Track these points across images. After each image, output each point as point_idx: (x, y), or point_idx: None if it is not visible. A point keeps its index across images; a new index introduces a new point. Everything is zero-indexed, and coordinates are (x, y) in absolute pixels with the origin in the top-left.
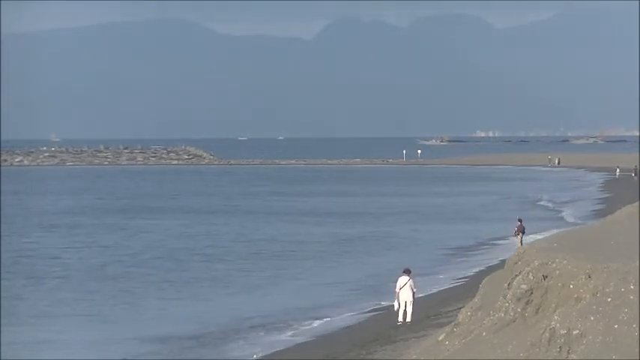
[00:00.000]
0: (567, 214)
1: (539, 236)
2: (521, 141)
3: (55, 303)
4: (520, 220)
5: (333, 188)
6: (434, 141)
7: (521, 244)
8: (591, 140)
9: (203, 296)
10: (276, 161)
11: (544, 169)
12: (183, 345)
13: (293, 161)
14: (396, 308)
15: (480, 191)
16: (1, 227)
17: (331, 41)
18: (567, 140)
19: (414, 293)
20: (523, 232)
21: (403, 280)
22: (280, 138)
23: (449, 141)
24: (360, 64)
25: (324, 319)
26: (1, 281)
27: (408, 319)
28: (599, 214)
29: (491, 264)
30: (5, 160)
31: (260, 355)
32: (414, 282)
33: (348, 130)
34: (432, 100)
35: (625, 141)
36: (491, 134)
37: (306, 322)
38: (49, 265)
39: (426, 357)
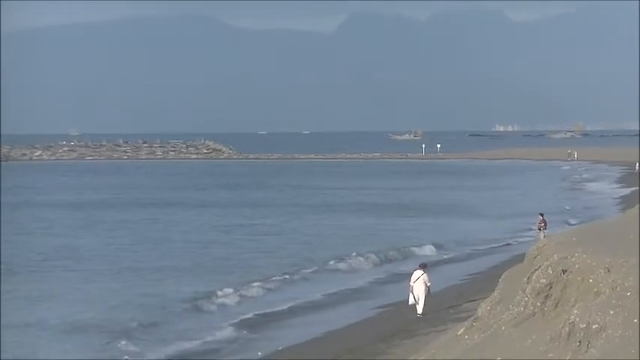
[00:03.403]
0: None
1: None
2: (491, 137)
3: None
4: (542, 215)
5: (375, 183)
6: (407, 135)
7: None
8: (568, 134)
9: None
10: (296, 155)
11: (564, 163)
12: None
13: (312, 155)
14: (410, 302)
15: (501, 186)
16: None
17: (350, 35)
18: (543, 135)
19: (427, 287)
20: (545, 227)
21: (417, 273)
22: (305, 132)
23: (422, 135)
24: (378, 59)
25: (343, 311)
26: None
27: (420, 311)
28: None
29: (508, 258)
30: (24, 155)
31: (281, 347)
32: (428, 276)
33: (368, 124)
34: (450, 94)
35: (602, 136)
36: (510, 128)
37: (326, 313)
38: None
39: (446, 351)
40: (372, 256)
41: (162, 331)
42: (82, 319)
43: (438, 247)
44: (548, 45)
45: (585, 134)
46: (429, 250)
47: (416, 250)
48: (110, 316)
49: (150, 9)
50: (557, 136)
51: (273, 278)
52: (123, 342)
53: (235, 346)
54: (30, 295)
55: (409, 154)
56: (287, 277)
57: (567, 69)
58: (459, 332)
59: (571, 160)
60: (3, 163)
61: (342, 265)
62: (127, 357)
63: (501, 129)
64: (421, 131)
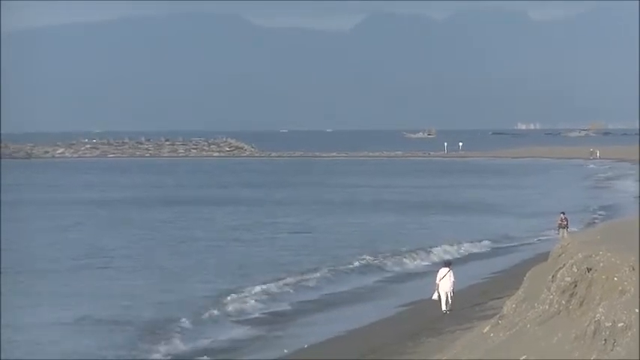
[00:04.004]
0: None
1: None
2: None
3: None
4: (563, 213)
5: (400, 181)
6: (421, 134)
7: (563, 237)
8: (583, 133)
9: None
10: (317, 154)
11: (587, 162)
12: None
13: (334, 153)
14: (434, 297)
15: (524, 184)
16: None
17: (367, 35)
18: (559, 133)
19: (453, 284)
20: (566, 226)
21: (443, 271)
22: (329, 130)
23: (436, 134)
24: (394, 58)
25: (364, 309)
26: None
27: (447, 308)
28: None
29: (532, 256)
30: (47, 152)
31: (306, 344)
32: (454, 273)
33: (383, 123)
34: (470, 93)
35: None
36: (532, 126)
37: (348, 311)
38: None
39: (471, 349)
40: (392, 255)
41: (187, 329)
42: (106, 316)
43: (465, 244)
44: (570, 44)
45: (607, 133)
46: (451, 248)
47: (435, 249)
48: (133, 313)
49: (167, 6)
50: (573, 134)
51: (297, 276)
52: (147, 339)
53: (260, 343)
54: (55, 292)
55: (431, 153)
56: (310, 275)
57: (589, 67)
58: (485, 330)
59: (593, 158)
60: (25, 160)
61: (364, 263)
62: (157, 356)
63: (523, 127)
64: (435, 130)
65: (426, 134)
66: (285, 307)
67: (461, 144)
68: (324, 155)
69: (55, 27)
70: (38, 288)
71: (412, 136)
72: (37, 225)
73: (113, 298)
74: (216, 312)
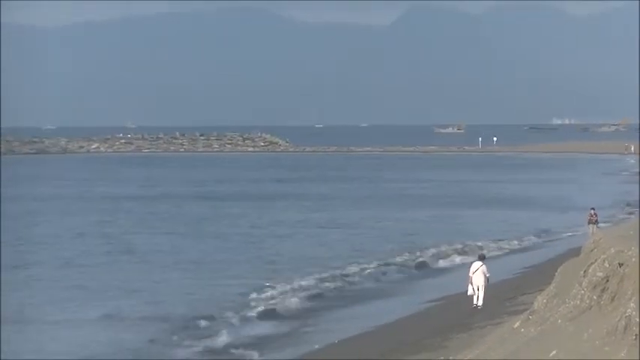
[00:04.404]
0: None
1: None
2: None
3: None
4: (593, 209)
5: (438, 176)
6: (450, 129)
7: (593, 233)
8: (613, 128)
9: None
10: (352, 148)
11: (622, 157)
12: None
13: (368, 148)
14: (469, 293)
15: (558, 179)
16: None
17: (407, 29)
18: (588, 129)
19: (486, 278)
20: (596, 222)
21: (476, 265)
22: (364, 125)
23: (465, 129)
24: (432, 53)
25: (402, 303)
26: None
27: (480, 302)
28: None
29: (564, 251)
30: (82, 147)
31: (337, 340)
32: (487, 267)
33: (419, 117)
34: (506, 88)
35: None
36: (567, 121)
37: (382, 305)
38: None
39: (502, 344)
40: (429, 250)
41: (221, 323)
42: (140, 311)
43: (500, 239)
44: (606, 39)
45: None
46: (487, 243)
47: (471, 243)
48: (167, 308)
49: (205, 3)
50: (603, 129)
51: (332, 271)
52: (182, 334)
53: (292, 338)
54: (87, 287)
55: (466, 147)
56: (344, 270)
57: (625, 62)
58: (516, 325)
59: (628, 153)
60: (61, 155)
61: (400, 258)
62: (194, 349)
63: (559, 122)
64: (464, 125)
65: (455, 129)
66: (318, 302)
67: (495, 139)
68: (358, 150)
69: (89, 23)
70: (72, 282)
71: (442, 131)
72: (71, 220)
73: (147, 292)
74: (249, 306)
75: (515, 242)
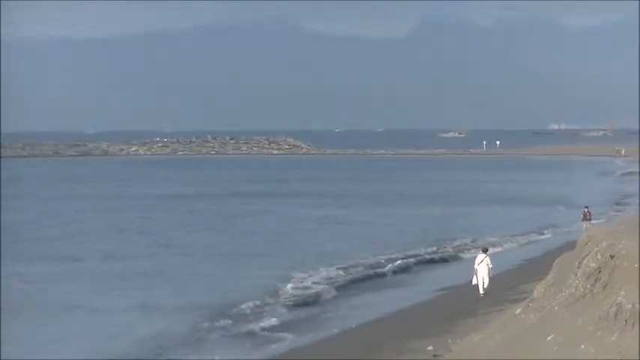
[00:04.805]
0: None
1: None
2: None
3: None
4: (586, 207)
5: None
6: (452, 134)
7: (587, 228)
8: (601, 133)
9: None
10: (368, 151)
11: (613, 159)
12: None
13: (382, 151)
14: (474, 283)
15: (555, 179)
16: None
17: (422, 40)
18: (577, 134)
19: (489, 269)
20: (590, 219)
21: (480, 257)
22: (379, 130)
23: (466, 133)
24: (443, 63)
25: (415, 292)
26: None
27: (482, 291)
28: None
29: (560, 245)
30: (122, 150)
31: (354, 325)
32: (491, 259)
33: (437, 122)
34: (505, 96)
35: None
36: (563, 127)
37: (398, 293)
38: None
39: (504, 329)
40: (443, 244)
41: (243, 311)
42: (175, 301)
43: (503, 234)
44: (599, 50)
45: (631, 133)
46: (493, 238)
47: (480, 238)
48: (199, 297)
49: (237, 17)
50: (591, 134)
51: (354, 263)
52: (211, 321)
53: (314, 323)
54: (130, 277)
55: (471, 150)
56: (366, 261)
57: (618, 71)
58: (517, 312)
59: (619, 156)
60: (103, 157)
61: (417, 252)
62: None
63: (555, 127)
64: (466, 129)
65: (457, 134)
66: (339, 290)
67: (498, 142)
68: (374, 153)
69: (126, 37)
70: (114, 273)
71: (445, 135)
72: (113, 217)
73: (183, 282)
74: (277, 295)
75: (520, 237)
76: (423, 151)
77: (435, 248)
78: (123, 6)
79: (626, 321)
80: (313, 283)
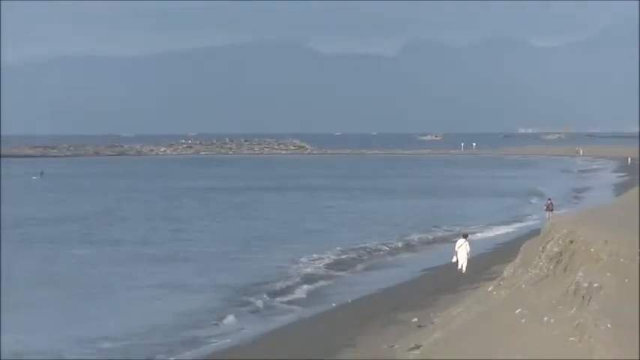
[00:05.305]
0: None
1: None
2: (505, 136)
3: None
4: (550, 199)
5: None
6: (429, 137)
7: (549, 218)
8: (556, 136)
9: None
10: (363, 151)
11: (573, 158)
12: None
13: (376, 151)
14: (454, 260)
15: (523, 175)
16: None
17: (408, 58)
18: (538, 136)
19: (468, 252)
20: (552, 210)
21: (460, 242)
22: (373, 133)
23: (442, 136)
24: (425, 76)
25: (404, 271)
26: None
27: (464, 269)
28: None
29: (527, 232)
30: (152, 150)
31: (350, 300)
32: (469, 244)
33: (421, 127)
34: (479, 104)
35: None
36: (530, 130)
37: (390, 273)
38: None
39: (479, 303)
40: (431, 230)
41: (260, 288)
42: (199, 280)
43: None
44: (564, 65)
45: (590, 135)
46: (470, 225)
47: (457, 226)
48: (216, 278)
49: (242, 37)
50: (549, 137)
51: (351, 246)
52: (233, 298)
53: (316, 298)
54: (158, 260)
55: (451, 151)
56: (362, 245)
57: (579, 81)
58: (489, 289)
59: (577, 155)
60: (136, 157)
61: (409, 237)
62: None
63: (523, 131)
64: (442, 133)
65: (433, 137)
66: (341, 270)
67: (474, 144)
68: (368, 152)
69: (159, 55)
70: (149, 256)
71: (423, 138)
72: (147, 206)
73: (206, 265)
74: (279, 276)
75: (493, 225)
76: (410, 151)
77: (422, 234)
78: (152, 29)
79: (582, 297)
80: (319, 264)
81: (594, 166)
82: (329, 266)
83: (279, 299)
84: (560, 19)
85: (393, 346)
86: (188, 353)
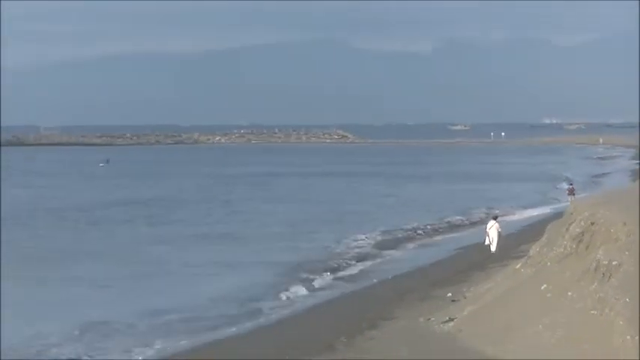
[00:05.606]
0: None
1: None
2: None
3: None
4: (571, 184)
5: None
6: (459, 126)
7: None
8: (575, 126)
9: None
10: (400, 141)
11: (594, 146)
12: None
13: (413, 140)
14: (486, 243)
15: (556, 161)
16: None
17: (441, 56)
18: (561, 127)
19: (499, 233)
20: (574, 194)
21: (491, 223)
22: (410, 124)
23: (471, 127)
24: (460, 73)
25: (440, 250)
26: None
27: (493, 249)
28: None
29: (552, 214)
30: (208, 139)
31: (390, 276)
32: (500, 225)
33: (451, 118)
34: (504, 96)
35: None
36: (554, 121)
37: (427, 251)
38: None
39: (507, 280)
40: (468, 212)
41: (309, 265)
42: (251, 258)
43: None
44: (585, 61)
45: (609, 125)
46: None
47: (475, 210)
48: (268, 256)
49: (289, 35)
50: (571, 127)
51: (393, 227)
52: (286, 277)
53: (360, 275)
54: (219, 238)
55: (483, 140)
56: (408, 226)
57: (599, 75)
58: (517, 266)
59: (598, 144)
60: (193, 145)
61: (437, 219)
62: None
63: (548, 121)
64: (469, 124)
65: (462, 126)
66: (384, 249)
67: (503, 134)
68: (406, 141)
69: (208, 51)
70: (199, 235)
71: (454, 128)
72: (204, 189)
73: (258, 244)
74: (335, 252)
75: (522, 208)
76: (444, 140)
77: (458, 216)
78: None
79: (603, 274)
80: (364, 243)
81: (613, 154)
82: (373, 246)
83: (327, 276)
84: (582, 18)
85: (429, 319)
86: (249, 324)
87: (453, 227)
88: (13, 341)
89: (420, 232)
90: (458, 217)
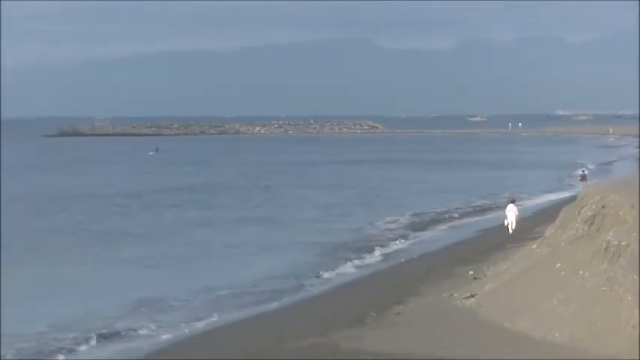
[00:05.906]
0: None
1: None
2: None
3: None
4: (584, 171)
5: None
6: (477, 118)
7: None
8: (582, 117)
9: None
10: (424, 131)
11: (604, 136)
12: None
13: (437, 130)
14: (505, 224)
15: (570, 150)
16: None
17: (460, 53)
18: (570, 118)
19: (516, 215)
20: (586, 180)
21: (510, 206)
22: (434, 115)
23: (487, 118)
24: (473, 68)
25: (462, 231)
26: None
27: (511, 231)
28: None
29: (565, 198)
30: (249, 130)
31: (416, 255)
32: (517, 208)
33: (469, 110)
34: (519, 89)
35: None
36: (567, 112)
37: (450, 232)
38: None
39: (524, 259)
40: (488, 197)
41: (344, 245)
42: (290, 240)
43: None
44: (596, 56)
45: (619, 116)
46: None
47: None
48: (305, 238)
49: (315, 34)
50: (579, 118)
51: (420, 210)
52: (324, 258)
53: (389, 255)
54: (259, 222)
55: (501, 130)
56: (428, 209)
57: (609, 70)
58: (533, 247)
59: (609, 134)
60: (234, 135)
61: (461, 204)
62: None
63: (561, 112)
64: (487, 115)
65: (480, 118)
66: (411, 230)
67: (520, 124)
68: (429, 132)
69: (251, 47)
70: (240, 219)
71: (472, 119)
72: (247, 175)
73: (295, 227)
74: (368, 234)
75: (538, 193)
76: (465, 131)
77: (480, 201)
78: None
79: (613, 254)
80: (393, 226)
81: (622, 143)
82: (401, 228)
83: (362, 255)
84: (592, 17)
85: (452, 295)
86: (289, 299)
87: (479, 211)
88: (69, 318)
89: (445, 214)
90: (480, 202)
